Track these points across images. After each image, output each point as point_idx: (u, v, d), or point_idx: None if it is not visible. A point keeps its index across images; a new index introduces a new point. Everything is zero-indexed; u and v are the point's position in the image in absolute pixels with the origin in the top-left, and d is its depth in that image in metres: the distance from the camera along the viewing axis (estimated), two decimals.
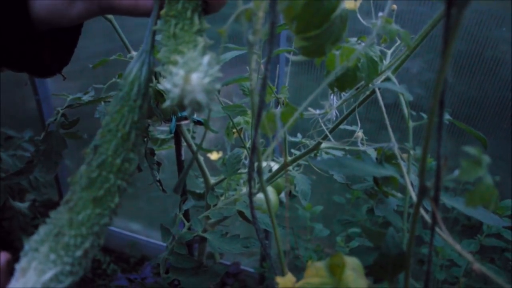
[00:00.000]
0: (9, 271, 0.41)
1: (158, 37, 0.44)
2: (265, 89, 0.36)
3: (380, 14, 0.48)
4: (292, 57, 0.44)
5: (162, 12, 0.42)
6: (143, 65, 0.43)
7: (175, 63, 0.37)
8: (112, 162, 0.42)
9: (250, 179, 0.41)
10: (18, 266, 0.39)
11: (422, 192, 0.36)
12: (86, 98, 0.86)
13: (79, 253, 0.40)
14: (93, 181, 0.41)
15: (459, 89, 1.42)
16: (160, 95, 0.79)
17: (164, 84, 0.37)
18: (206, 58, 0.37)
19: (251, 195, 0.42)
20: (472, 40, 1.33)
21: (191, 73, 0.35)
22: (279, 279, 0.42)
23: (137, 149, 0.44)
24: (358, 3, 0.61)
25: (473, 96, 1.42)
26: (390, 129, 0.56)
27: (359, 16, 0.58)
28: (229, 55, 0.72)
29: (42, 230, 0.41)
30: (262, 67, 0.67)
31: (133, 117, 0.42)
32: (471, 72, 1.38)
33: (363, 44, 0.59)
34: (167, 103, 0.36)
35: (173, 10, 0.41)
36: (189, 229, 0.85)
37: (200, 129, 1.07)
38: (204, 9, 0.44)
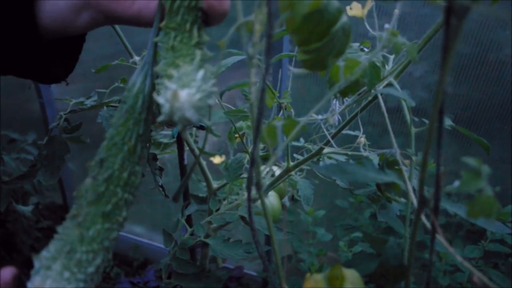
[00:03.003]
0: (17, 286, 0.41)
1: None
2: (263, 101, 0.36)
3: (386, 26, 0.47)
4: (294, 70, 0.44)
5: (162, 24, 0.42)
6: (146, 77, 0.43)
7: (170, 77, 0.37)
8: (119, 176, 0.41)
9: (249, 191, 0.41)
10: (31, 285, 0.38)
11: (422, 203, 0.36)
12: (88, 102, 0.86)
13: (91, 269, 0.40)
14: (100, 196, 0.41)
15: (462, 92, 1.42)
16: None
17: (158, 99, 0.36)
18: (200, 73, 0.37)
19: (250, 208, 0.42)
20: (476, 42, 1.32)
21: (181, 89, 0.35)
22: None
23: (142, 162, 0.44)
24: (365, 11, 0.61)
25: (477, 99, 1.42)
26: (392, 135, 0.56)
27: (366, 25, 0.58)
28: (230, 60, 0.72)
29: (52, 246, 0.40)
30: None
31: (139, 130, 0.42)
32: (474, 75, 1.38)
33: (366, 50, 0.59)
34: (161, 118, 0.36)
35: (173, 22, 0.41)
36: (191, 234, 0.85)
37: (203, 134, 1.07)
38: (204, 21, 0.43)
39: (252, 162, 0.38)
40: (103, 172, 0.41)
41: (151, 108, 0.44)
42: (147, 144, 0.45)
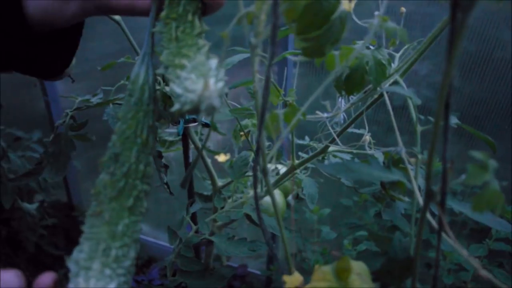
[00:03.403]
0: None
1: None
2: (268, 89, 0.36)
3: (376, 13, 0.48)
4: (293, 58, 0.45)
5: (163, 14, 0.42)
6: (148, 68, 0.44)
7: (182, 67, 0.37)
8: (136, 169, 0.42)
9: (255, 180, 0.41)
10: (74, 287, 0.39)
11: (429, 196, 0.36)
12: (94, 100, 0.86)
13: (128, 262, 0.41)
14: (121, 191, 0.41)
15: (468, 90, 1.42)
16: (168, 98, 0.80)
17: (174, 88, 0.37)
18: (213, 62, 0.37)
19: (256, 196, 0.42)
20: (482, 40, 1.32)
21: (207, 78, 0.35)
22: (286, 278, 0.42)
23: (153, 152, 0.44)
24: (353, 4, 0.61)
25: (482, 97, 1.42)
26: (397, 133, 0.56)
27: (354, 17, 0.57)
28: (236, 58, 0.72)
29: (85, 247, 0.41)
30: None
31: (149, 122, 0.43)
32: (480, 73, 1.37)
33: (372, 47, 0.59)
34: (176, 107, 0.36)
35: (173, 13, 0.41)
36: (196, 232, 0.85)
37: (208, 131, 1.07)
38: (202, 10, 0.44)
39: (258, 149, 0.38)
40: (120, 166, 0.42)
41: (156, 98, 0.44)
42: (155, 135, 0.45)
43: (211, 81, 0.35)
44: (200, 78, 0.36)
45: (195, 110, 0.36)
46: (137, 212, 0.42)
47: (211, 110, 0.36)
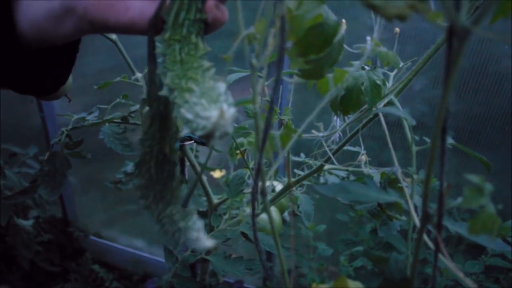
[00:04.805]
0: None
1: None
2: (272, 112, 0.36)
3: (368, 38, 0.49)
4: (289, 80, 0.46)
5: (166, 36, 0.41)
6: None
7: (190, 91, 0.37)
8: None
9: (253, 201, 0.41)
10: None
11: (425, 219, 0.37)
12: (90, 118, 0.86)
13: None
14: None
15: (462, 105, 1.43)
16: None
17: (184, 113, 0.36)
18: (222, 86, 0.37)
19: (254, 217, 0.42)
20: (475, 55, 1.33)
21: (221, 106, 0.35)
22: None
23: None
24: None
25: (477, 112, 1.42)
26: (393, 152, 0.56)
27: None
28: (232, 76, 0.73)
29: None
30: (266, 89, 0.68)
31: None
32: (474, 88, 1.38)
33: (367, 68, 0.59)
34: (185, 132, 0.36)
35: (177, 34, 0.41)
36: (192, 250, 0.85)
37: (202, 149, 1.07)
38: (204, 30, 0.44)
39: (258, 171, 0.38)
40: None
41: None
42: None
43: (225, 108, 0.35)
44: (211, 104, 0.35)
45: (208, 136, 0.36)
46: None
47: (224, 136, 0.36)
